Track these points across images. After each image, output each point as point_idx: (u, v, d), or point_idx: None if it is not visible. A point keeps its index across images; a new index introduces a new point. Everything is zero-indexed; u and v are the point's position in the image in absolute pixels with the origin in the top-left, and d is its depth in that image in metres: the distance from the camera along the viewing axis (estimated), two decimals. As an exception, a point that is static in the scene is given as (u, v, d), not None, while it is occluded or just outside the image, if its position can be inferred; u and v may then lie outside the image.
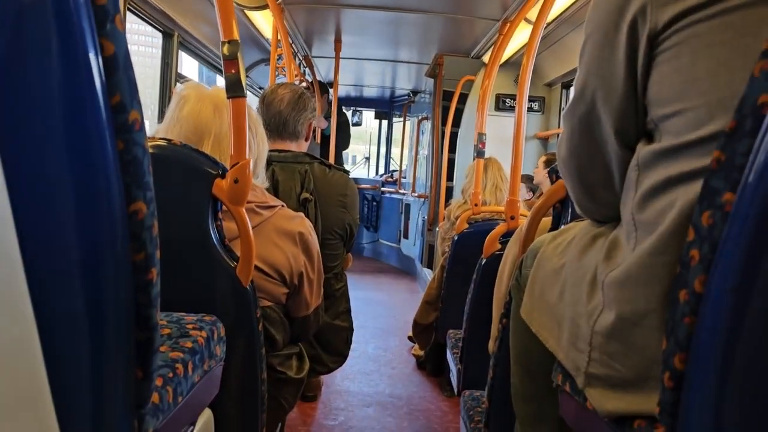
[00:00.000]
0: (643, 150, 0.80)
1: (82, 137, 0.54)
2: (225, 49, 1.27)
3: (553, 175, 1.38)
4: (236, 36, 1.28)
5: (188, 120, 1.43)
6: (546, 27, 3.07)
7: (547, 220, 1.46)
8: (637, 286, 0.74)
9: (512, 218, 1.97)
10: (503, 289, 1.57)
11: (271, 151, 2.13)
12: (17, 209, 0.51)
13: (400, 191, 6.81)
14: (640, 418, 0.74)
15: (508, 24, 2.94)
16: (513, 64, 4.17)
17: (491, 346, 1.71)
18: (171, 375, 0.80)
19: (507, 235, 2.02)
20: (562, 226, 1.29)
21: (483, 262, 2.06)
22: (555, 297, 0.94)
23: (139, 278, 0.63)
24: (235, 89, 1.26)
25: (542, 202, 1.36)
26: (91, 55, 0.52)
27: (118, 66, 0.55)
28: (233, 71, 1.25)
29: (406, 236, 6.25)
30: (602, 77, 0.85)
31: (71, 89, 0.52)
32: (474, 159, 2.79)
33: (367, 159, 9.14)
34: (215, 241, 1.27)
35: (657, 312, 0.72)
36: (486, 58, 4.16)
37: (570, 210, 1.35)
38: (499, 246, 2.02)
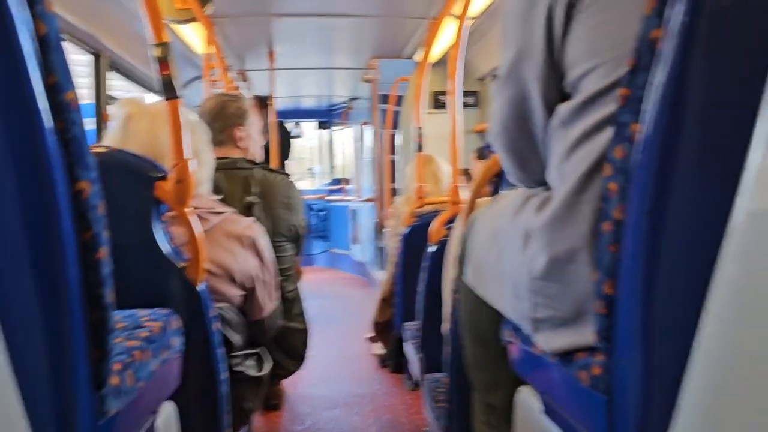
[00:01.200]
0: (562, 107, 0.86)
1: (21, 118, 0.55)
2: (157, 52, 1.28)
3: (487, 151, 1.44)
4: (166, 39, 1.29)
5: (140, 139, 1.42)
6: (474, 21, 3.17)
7: (485, 200, 1.52)
8: (564, 226, 0.79)
9: (455, 203, 2.03)
10: (451, 269, 1.62)
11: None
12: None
13: (345, 198, 6.84)
14: (581, 350, 0.79)
15: (436, 21, 3.02)
16: (444, 62, 4.26)
17: (444, 327, 1.76)
18: (129, 360, 0.80)
19: (452, 221, 2.07)
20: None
21: (431, 249, 2.10)
22: (494, 257, 0.99)
23: (89, 257, 0.64)
24: (169, 91, 1.27)
25: (480, 179, 1.42)
26: (26, 36, 0.53)
27: (52, 46, 0.56)
28: (166, 73, 1.26)
29: (356, 242, 6.27)
30: (524, 51, 0.90)
31: (7, 70, 0.53)
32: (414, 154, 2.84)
33: (310, 170, 9.13)
34: (163, 243, 1.27)
35: (586, 249, 0.77)
36: (418, 57, 4.24)
37: (505, 183, 1.40)
38: (445, 232, 2.08)
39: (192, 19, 2.77)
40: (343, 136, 7.52)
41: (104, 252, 0.66)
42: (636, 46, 0.63)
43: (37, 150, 0.57)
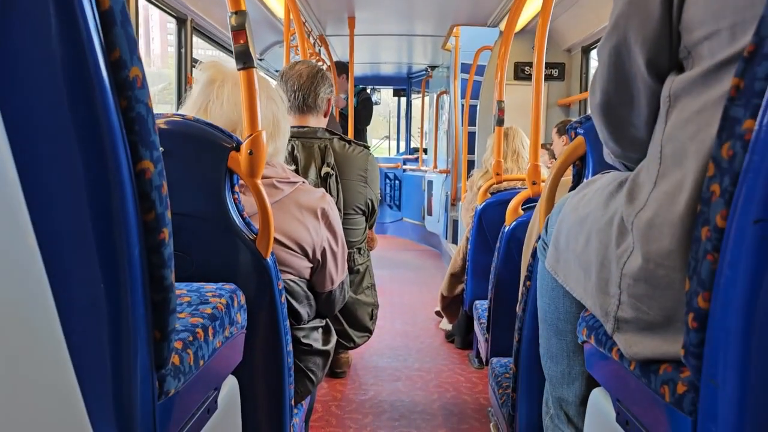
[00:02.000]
0: (675, 80, 0.78)
1: (83, 95, 0.54)
2: (232, 20, 1.26)
3: (572, 132, 1.35)
4: (243, 6, 1.27)
5: (221, 105, 1.42)
6: (562, -11, 3.00)
7: (567, 180, 1.44)
8: (662, 225, 0.72)
9: (534, 183, 1.94)
10: (529, 252, 1.55)
11: (291, 127, 2.14)
12: (23, 172, 0.51)
13: (421, 168, 6.78)
14: (666, 363, 0.73)
15: (523, -12, 2.88)
16: (530, 32, 4.09)
17: (518, 310, 1.70)
18: (191, 339, 0.80)
19: (530, 202, 1.99)
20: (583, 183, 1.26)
21: (506, 230, 2.03)
22: (581, 246, 0.93)
23: (151, 239, 0.63)
24: (244, 60, 1.25)
25: (562, 160, 1.34)
26: (87, 10, 0.51)
27: (115, 20, 0.54)
28: (242, 41, 1.24)
29: (430, 213, 6.23)
30: (636, 4, 0.82)
31: (69, 46, 0.52)
32: (494, 129, 2.75)
33: (387, 137, 9.11)
34: (233, 215, 1.27)
35: (679, 252, 0.70)
36: (502, 26, 4.09)
37: (591, 167, 1.32)
38: (521, 212, 2.00)
39: (274, -15, 2.75)
40: (422, 105, 7.42)
41: (166, 233, 0.64)
42: (758, 29, 0.55)
43: (99, 129, 0.56)
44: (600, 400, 0.94)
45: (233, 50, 1.27)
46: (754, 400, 0.56)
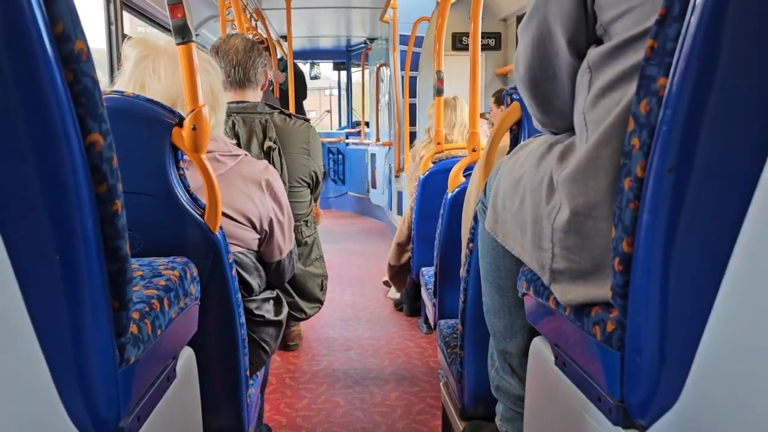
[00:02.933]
0: (593, 52, 0.84)
1: (28, 69, 0.54)
2: (169, -6, 1.25)
3: (508, 98, 1.40)
4: (179, -21, 1.25)
5: (157, 81, 1.40)
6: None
7: (504, 145, 1.50)
8: (586, 179, 0.77)
9: (474, 150, 2.00)
10: (469, 216, 1.61)
11: (229, 103, 2.12)
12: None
13: (364, 142, 6.79)
14: (597, 305, 0.79)
15: (458, -42, 2.91)
16: (467, 2, 4.12)
17: (462, 272, 1.77)
18: (148, 309, 0.82)
19: (471, 168, 2.05)
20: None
21: (448, 197, 2.09)
22: (516, 205, 0.98)
23: (104, 210, 0.64)
24: (183, 34, 1.24)
25: (498, 125, 1.39)
26: (28, -17, 0.51)
27: (58, -7, 0.55)
28: (180, 15, 1.23)
29: (374, 186, 6.27)
30: None
31: (10, 18, 0.52)
32: (434, 98, 2.80)
33: (328, 111, 9.05)
34: (179, 191, 1.27)
35: (606, 203, 0.76)
36: (439, -3, 4.12)
37: (526, 131, 1.38)
38: (463, 179, 2.06)
39: (206, -43, 2.69)
40: (362, 78, 7.40)
41: (119, 204, 0.65)
42: (667, -6, 0.60)
43: (46, 102, 0.56)
44: (540, 348, 1.01)
45: (171, 24, 1.26)
46: (674, 331, 0.62)
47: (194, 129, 1.25)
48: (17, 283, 0.52)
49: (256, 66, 2.17)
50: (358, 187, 6.93)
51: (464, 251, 1.68)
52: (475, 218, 1.43)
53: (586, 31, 0.87)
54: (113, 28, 3.18)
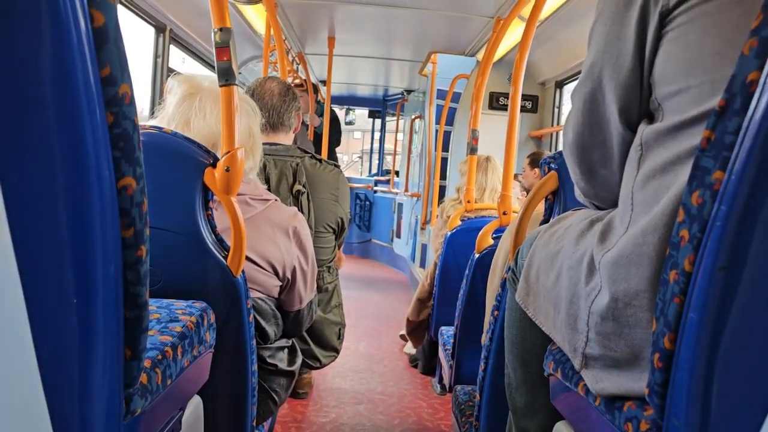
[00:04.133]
0: (646, 130, 0.81)
1: (71, 109, 0.54)
2: (217, 37, 1.27)
3: (545, 167, 1.38)
4: (228, 24, 1.27)
5: (198, 120, 1.41)
6: (539, 25, 3.08)
7: (538, 214, 1.47)
8: (629, 265, 0.74)
9: (504, 213, 1.97)
10: (496, 282, 1.57)
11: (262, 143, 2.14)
12: (4, 182, 0.50)
13: (392, 190, 6.81)
14: (630, 400, 0.74)
15: (502, 21, 2.95)
16: (506, 63, 4.18)
17: (484, 339, 1.72)
18: (160, 357, 0.79)
19: (500, 231, 2.02)
20: (555, 218, 1.29)
21: (475, 258, 2.06)
22: (551, 281, 0.95)
23: (129, 255, 0.62)
24: (227, 77, 1.25)
25: (534, 193, 1.36)
26: (81, 26, 0.51)
27: (109, 38, 0.54)
28: (225, 59, 1.24)
29: (398, 235, 6.25)
30: (611, 54, 0.86)
31: (60, 61, 0.52)
32: (467, 156, 2.79)
33: (360, 158, 9.14)
34: (205, 231, 1.27)
35: (648, 292, 0.72)
36: (480, 56, 4.17)
37: (562, 202, 1.35)
38: (491, 241, 2.03)
39: (257, 0, 2.76)
40: (396, 128, 7.47)
41: (144, 250, 0.64)
42: (728, 87, 0.57)
43: (82, 143, 0.55)
44: (564, 434, 0.96)
45: (215, 66, 1.27)
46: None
47: (227, 170, 1.25)
48: (29, 324, 0.51)
49: (290, 111, 2.19)
50: (383, 235, 6.92)
51: (488, 318, 1.64)
52: (503, 285, 1.39)
53: (639, 103, 0.85)
54: (159, 60, 3.26)
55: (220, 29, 1.27)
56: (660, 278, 0.69)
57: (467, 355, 2.07)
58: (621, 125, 0.86)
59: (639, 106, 0.85)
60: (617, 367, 0.77)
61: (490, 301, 1.67)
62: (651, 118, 0.84)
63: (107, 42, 0.54)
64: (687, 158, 0.71)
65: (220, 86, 1.26)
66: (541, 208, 1.45)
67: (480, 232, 2.02)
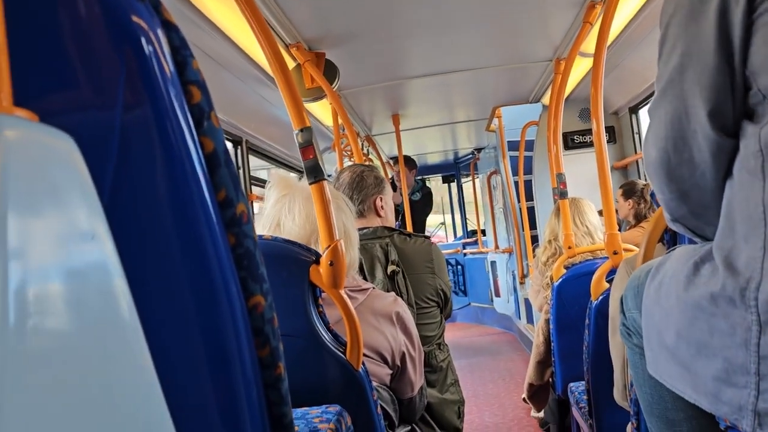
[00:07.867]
0: (764, 130, 0.72)
1: (193, 237, 0.53)
2: (299, 138, 1.30)
3: (653, 200, 1.29)
4: (308, 123, 1.30)
5: (296, 219, 1.42)
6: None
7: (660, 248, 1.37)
8: None
9: (615, 253, 1.86)
10: (618, 337, 1.45)
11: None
12: (141, 315, 0.50)
13: (482, 250, 6.70)
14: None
15: (563, 62, 2.91)
16: (572, 101, 4.10)
17: (616, 394, 1.59)
18: (309, 475, 0.76)
19: (613, 272, 1.90)
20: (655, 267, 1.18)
21: (593, 305, 1.94)
22: (672, 341, 0.84)
23: (268, 375, 0.60)
24: (315, 174, 1.27)
25: (653, 228, 1.27)
26: (193, 155, 0.52)
27: (220, 161, 0.55)
28: (311, 156, 1.26)
29: (497, 294, 6.08)
30: (690, 55, 0.78)
31: (178, 191, 0.52)
32: (555, 202, 2.70)
33: (442, 224, 9.12)
34: (321, 329, 1.25)
35: None
36: (545, 100, 4.12)
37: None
38: (606, 285, 1.91)
39: (321, 97, 2.87)
40: (473, 188, 7.44)
41: (282, 368, 0.62)
42: None
43: (209, 268, 0.54)
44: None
45: (303, 166, 1.29)
46: None
47: (331, 264, 1.25)
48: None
49: (364, 198, 2.19)
50: (481, 297, 6.75)
51: (616, 372, 1.52)
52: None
53: (732, 102, 0.76)
54: (240, 171, 3.41)
55: (301, 130, 1.29)
56: None
57: (607, 411, 1.92)
58: (713, 131, 0.76)
59: (733, 105, 0.76)
60: None
61: (615, 359, 1.56)
62: (750, 116, 0.75)
63: (219, 166, 0.55)
64: None
65: (310, 184, 1.28)
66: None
67: (594, 277, 1.91)
